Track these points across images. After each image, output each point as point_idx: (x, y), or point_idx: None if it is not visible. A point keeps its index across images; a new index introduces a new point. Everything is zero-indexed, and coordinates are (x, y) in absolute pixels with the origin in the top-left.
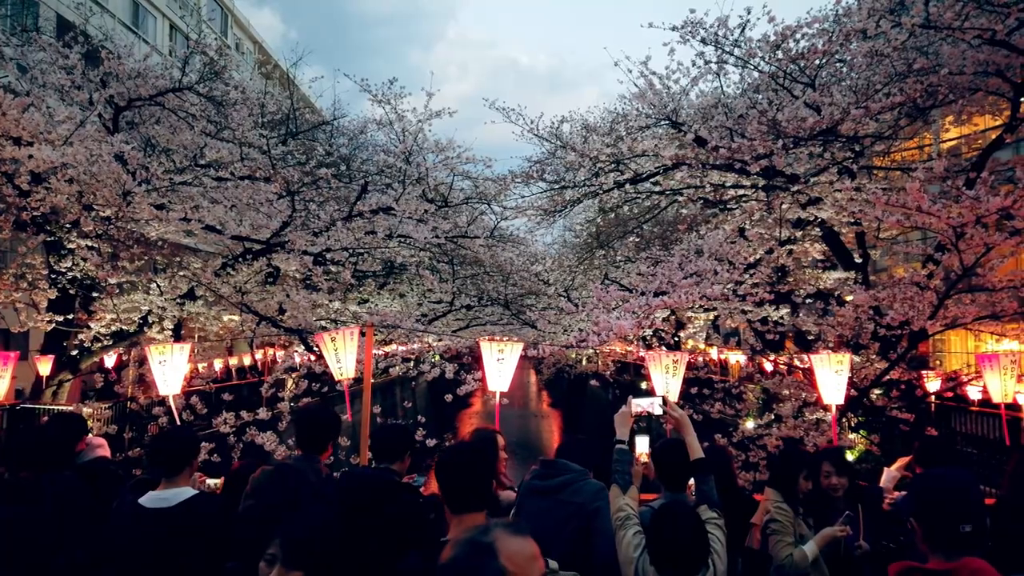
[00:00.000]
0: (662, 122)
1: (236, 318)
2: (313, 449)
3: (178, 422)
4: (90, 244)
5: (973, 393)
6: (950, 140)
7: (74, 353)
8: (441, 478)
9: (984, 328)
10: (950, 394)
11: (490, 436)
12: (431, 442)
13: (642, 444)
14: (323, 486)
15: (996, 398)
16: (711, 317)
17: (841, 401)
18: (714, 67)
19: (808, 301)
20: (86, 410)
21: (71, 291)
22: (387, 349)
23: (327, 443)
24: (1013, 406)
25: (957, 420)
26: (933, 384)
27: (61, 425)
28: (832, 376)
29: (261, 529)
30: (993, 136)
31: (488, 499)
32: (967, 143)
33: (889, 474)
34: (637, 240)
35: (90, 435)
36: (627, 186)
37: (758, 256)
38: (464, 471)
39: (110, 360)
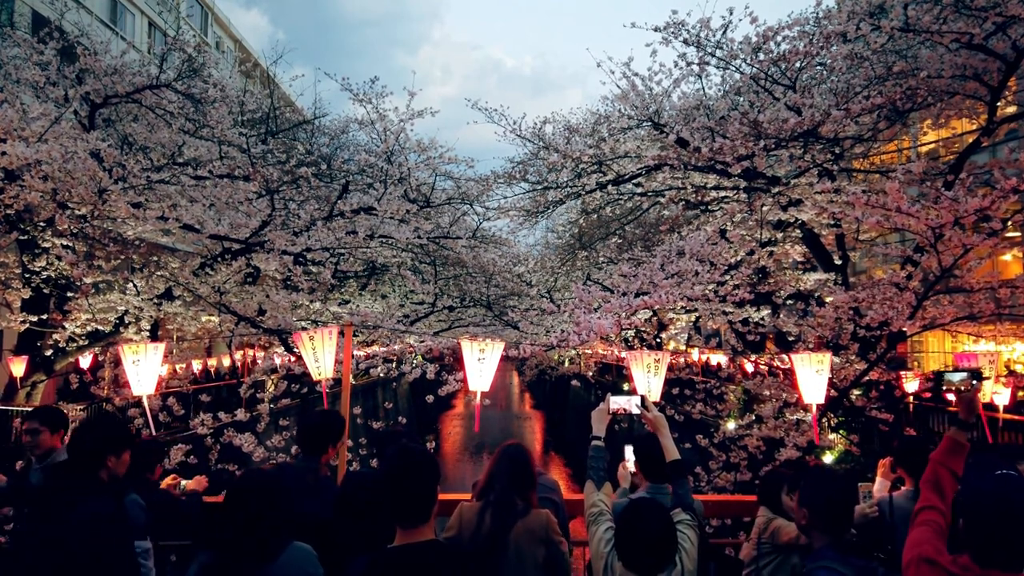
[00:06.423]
0: (644, 123)
1: (215, 318)
2: (312, 451)
3: (151, 423)
4: (65, 243)
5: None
6: (928, 143)
7: (48, 354)
8: (389, 488)
9: (962, 329)
10: (928, 394)
11: (520, 453)
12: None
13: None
14: (319, 487)
15: None
16: (693, 318)
17: (821, 401)
18: (696, 68)
19: (789, 302)
20: None
21: (45, 290)
22: (368, 350)
23: (327, 445)
24: (990, 406)
25: (935, 420)
26: (912, 384)
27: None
28: (812, 376)
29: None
30: (970, 139)
31: (431, 512)
32: (945, 146)
33: (880, 483)
34: (619, 241)
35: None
36: (609, 187)
37: (739, 257)
38: (414, 480)
39: (85, 361)
